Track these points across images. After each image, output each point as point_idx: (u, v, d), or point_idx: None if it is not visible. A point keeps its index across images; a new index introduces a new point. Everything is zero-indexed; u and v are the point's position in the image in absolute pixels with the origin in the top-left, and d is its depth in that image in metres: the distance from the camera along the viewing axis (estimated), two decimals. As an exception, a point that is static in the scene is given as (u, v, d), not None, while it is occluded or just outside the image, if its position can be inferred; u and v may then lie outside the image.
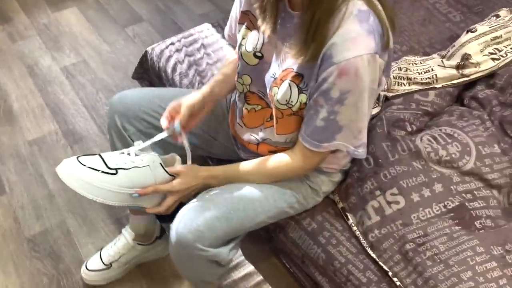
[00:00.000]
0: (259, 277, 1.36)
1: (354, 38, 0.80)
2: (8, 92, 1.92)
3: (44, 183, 1.58)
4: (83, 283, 1.32)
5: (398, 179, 1.02)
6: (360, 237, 1.01)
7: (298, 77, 0.88)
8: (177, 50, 1.51)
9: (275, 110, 0.96)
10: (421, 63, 1.29)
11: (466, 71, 1.23)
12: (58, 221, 1.48)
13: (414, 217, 0.98)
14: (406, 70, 1.26)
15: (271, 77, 0.94)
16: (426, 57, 1.33)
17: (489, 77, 1.23)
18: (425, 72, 1.25)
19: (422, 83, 1.24)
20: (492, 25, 1.27)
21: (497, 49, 1.23)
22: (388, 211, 1.00)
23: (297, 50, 0.86)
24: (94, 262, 1.31)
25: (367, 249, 0.99)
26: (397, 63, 1.30)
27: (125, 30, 2.27)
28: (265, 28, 0.92)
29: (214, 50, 1.52)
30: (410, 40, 1.56)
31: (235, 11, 1.04)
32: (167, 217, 1.36)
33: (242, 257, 1.40)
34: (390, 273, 0.93)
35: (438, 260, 0.89)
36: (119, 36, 2.23)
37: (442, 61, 1.27)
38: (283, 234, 1.14)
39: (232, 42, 1.10)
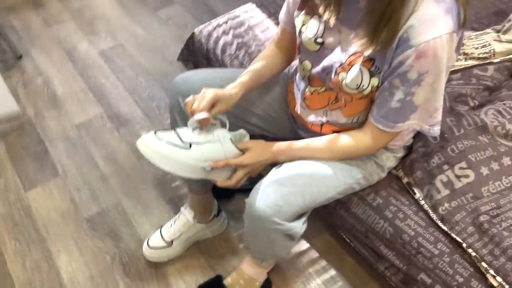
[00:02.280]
0: (315, 253, 1.39)
1: (432, 19, 0.80)
2: (50, 77, 1.95)
3: (95, 165, 1.62)
4: (145, 260, 1.36)
5: (466, 153, 1.03)
6: (429, 210, 1.03)
7: (369, 61, 0.89)
8: (224, 32, 1.52)
9: (343, 94, 0.96)
10: (476, 38, 1.29)
11: (525, 45, 1.22)
12: (114, 202, 1.51)
13: (484, 190, 0.99)
14: (463, 46, 1.26)
15: (336, 62, 0.94)
16: (481, 32, 1.32)
17: (548, 51, 1.23)
18: (482, 47, 1.25)
19: (479, 58, 1.24)
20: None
21: (556, 21, 1.22)
22: (458, 184, 1.01)
23: (368, 38, 0.85)
24: (155, 240, 1.35)
25: (437, 222, 1.01)
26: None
27: (157, 13, 2.27)
28: (328, 15, 0.91)
29: (262, 30, 1.52)
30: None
31: None
32: (225, 194, 1.40)
33: (296, 234, 1.43)
34: (464, 245, 0.95)
35: (515, 231, 0.92)
36: (152, 19, 2.24)
37: (498, 35, 1.27)
38: (344, 210, 1.16)
39: (286, 26, 1.09)
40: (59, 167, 1.61)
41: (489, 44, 1.25)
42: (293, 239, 1.03)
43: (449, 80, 1.20)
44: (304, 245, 1.41)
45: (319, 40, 0.96)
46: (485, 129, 1.06)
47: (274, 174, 1.00)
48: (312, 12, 0.96)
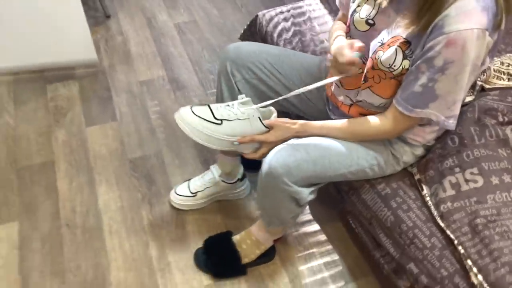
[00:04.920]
0: (323, 237, 1.47)
1: (469, 11, 0.86)
2: (129, 37, 2.18)
3: (148, 118, 1.81)
4: (169, 205, 1.51)
5: (481, 160, 1.06)
6: (432, 207, 1.07)
7: (406, 44, 0.96)
8: (285, 19, 1.64)
9: (376, 72, 1.04)
10: (525, 61, 1.29)
11: None
12: (156, 151, 1.69)
13: (489, 197, 1.02)
14: (508, 66, 1.28)
15: (379, 42, 1.02)
16: (532, 57, 1.32)
17: None
18: (528, 71, 1.26)
19: (522, 81, 1.25)
20: None
21: None
22: (465, 187, 1.05)
23: (411, 19, 0.93)
24: (182, 189, 1.50)
25: (436, 218, 1.05)
26: (500, 57, 1.32)
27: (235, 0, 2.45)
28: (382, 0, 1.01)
29: (320, 23, 1.62)
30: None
31: None
32: (252, 166, 1.51)
33: (311, 216, 1.52)
34: (455, 242, 0.99)
35: (507, 238, 0.94)
36: (228, 4, 2.42)
37: (548, 62, 1.27)
38: (355, 196, 1.23)
39: (343, 9, 1.19)
40: (117, 113, 1.82)
41: (536, 69, 1.25)
42: (299, 205, 1.12)
43: (485, 95, 1.23)
44: (315, 227, 1.49)
45: (370, 21, 1.04)
46: (506, 143, 1.08)
47: (293, 140, 1.10)
48: None
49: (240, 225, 1.47)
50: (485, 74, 1.27)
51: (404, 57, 0.96)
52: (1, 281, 1.31)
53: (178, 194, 1.49)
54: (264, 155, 1.10)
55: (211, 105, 1.15)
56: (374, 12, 1.03)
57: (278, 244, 1.42)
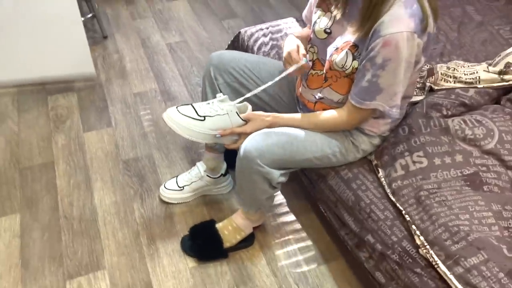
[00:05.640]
0: (298, 226, 1.62)
1: (399, 18, 1.06)
2: (124, 55, 2.38)
3: (141, 124, 1.98)
4: (159, 199, 1.66)
5: (426, 145, 1.24)
6: (386, 186, 1.24)
7: (355, 47, 1.16)
8: (264, 35, 1.85)
9: (333, 72, 1.23)
10: (469, 66, 1.50)
11: (506, 77, 1.42)
12: (147, 153, 1.85)
13: (433, 175, 1.19)
14: (454, 70, 1.48)
15: (334, 47, 1.22)
16: (476, 64, 1.53)
17: (527, 85, 1.41)
18: (470, 74, 1.46)
19: (466, 82, 1.45)
20: (538, 42, 1.45)
21: (539, 62, 1.40)
22: (412, 168, 1.22)
23: (357, 27, 1.13)
24: (171, 183, 1.65)
25: (389, 194, 1.21)
26: (447, 63, 1.52)
27: (221, 22, 2.68)
28: (336, 12, 1.21)
29: (295, 38, 1.83)
30: (468, 54, 1.76)
31: None
32: (234, 164, 1.67)
33: (287, 209, 1.68)
34: (403, 212, 1.15)
35: (444, 205, 1.10)
36: (216, 27, 2.64)
37: (487, 67, 1.47)
38: (323, 183, 1.39)
39: (307, 22, 1.40)
40: (113, 120, 1.99)
41: (477, 72, 1.45)
42: (272, 186, 1.28)
43: (433, 94, 1.42)
44: (291, 217, 1.64)
45: (328, 30, 1.24)
46: (448, 131, 1.27)
47: (265, 129, 1.27)
48: (326, 9, 1.26)
49: (223, 216, 1.61)
50: (432, 77, 1.46)
51: (354, 58, 1.16)
52: (3, 264, 1.44)
53: (167, 188, 1.64)
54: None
55: (194, 104, 1.31)
56: (330, 22, 1.23)
57: (258, 232, 1.57)
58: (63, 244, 1.51)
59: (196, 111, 1.28)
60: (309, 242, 1.56)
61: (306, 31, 1.41)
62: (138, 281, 1.43)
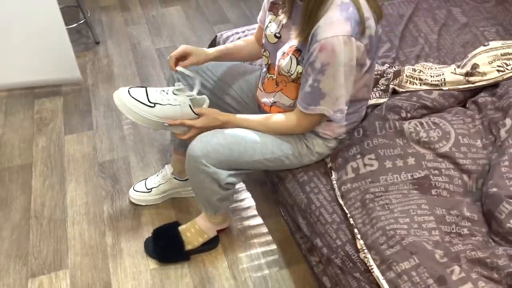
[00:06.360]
0: (265, 229, 1.60)
1: (334, 22, 1.04)
2: (114, 60, 2.43)
3: (121, 128, 2.01)
4: (129, 201, 1.68)
5: (378, 148, 1.21)
6: (336, 189, 1.21)
7: (298, 51, 1.14)
8: (239, 38, 1.85)
9: (282, 77, 1.22)
10: (436, 68, 1.46)
11: (472, 78, 1.37)
12: (123, 156, 1.87)
13: (382, 178, 1.16)
14: (420, 72, 1.44)
15: (281, 52, 1.21)
16: (444, 65, 1.49)
17: (494, 87, 1.36)
18: (436, 76, 1.42)
19: (431, 84, 1.41)
20: (506, 43, 1.40)
21: (505, 63, 1.35)
22: (362, 170, 1.19)
23: (298, 32, 1.12)
24: (139, 186, 1.67)
25: (338, 197, 1.19)
26: (414, 65, 1.48)
27: (213, 27, 2.70)
28: (282, 15, 1.20)
29: (269, 41, 1.82)
30: (446, 57, 1.71)
31: (266, 2, 1.33)
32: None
33: (255, 212, 1.66)
34: (348, 215, 1.12)
35: (387, 208, 1.07)
36: (207, 32, 2.67)
37: (455, 69, 1.43)
38: (282, 185, 1.38)
39: (261, 25, 1.39)
40: (94, 124, 2.03)
41: (443, 74, 1.41)
42: (222, 187, 1.27)
43: (394, 96, 1.39)
44: (258, 220, 1.63)
45: (277, 35, 1.23)
46: (402, 134, 1.23)
47: (216, 130, 1.26)
48: (277, 13, 1.25)
49: (191, 219, 1.61)
50: (397, 79, 1.43)
51: (298, 63, 1.14)
52: (-29, 262, 1.48)
53: (135, 190, 1.66)
54: (191, 138, 1.25)
55: (148, 88, 1.26)
56: (280, 26, 1.22)
57: (222, 235, 1.56)
58: (30, 243, 1.55)
59: (147, 97, 1.22)
60: (273, 246, 1.54)
61: (237, 44, 1.43)
62: (98, 281, 1.44)
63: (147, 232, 1.58)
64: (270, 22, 1.26)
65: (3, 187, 1.73)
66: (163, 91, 1.27)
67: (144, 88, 1.26)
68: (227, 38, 1.87)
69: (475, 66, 1.38)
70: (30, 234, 1.57)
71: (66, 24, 2.09)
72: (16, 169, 1.81)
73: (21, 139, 1.94)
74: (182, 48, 1.31)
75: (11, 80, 2.17)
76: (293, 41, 1.16)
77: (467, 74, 1.39)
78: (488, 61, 1.37)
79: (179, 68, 1.30)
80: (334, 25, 1.04)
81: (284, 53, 1.19)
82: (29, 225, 1.60)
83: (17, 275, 1.45)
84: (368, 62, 1.13)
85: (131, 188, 1.68)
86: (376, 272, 0.97)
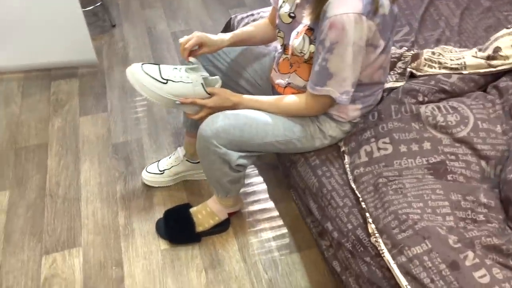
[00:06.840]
0: (276, 213, 1.59)
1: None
2: (129, 43, 2.43)
3: (135, 110, 2.01)
4: (142, 183, 1.69)
5: (393, 131, 1.18)
6: (349, 172, 1.19)
7: (310, 30, 1.12)
8: (254, 20, 1.82)
9: (295, 58, 1.19)
10: (456, 52, 1.41)
11: (494, 62, 1.32)
12: (137, 138, 1.88)
13: (396, 162, 1.13)
14: (439, 55, 1.39)
15: (296, 32, 1.18)
16: (465, 49, 1.43)
17: (517, 71, 1.31)
18: (456, 60, 1.37)
19: (451, 68, 1.36)
20: (532, 25, 1.34)
21: (530, 46, 1.30)
22: (376, 154, 1.16)
23: (311, 9, 1.09)
24: (152, 167, 1.67)
25: (350, 181, 1.17)
26: (433, 48, 1.43)
27: (228, 11, 2.67)
28: None
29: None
30: (467, 41, 1.65)
31: None
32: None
33: (267, 195, 1.65)
34: (360, 199, 1.10)
35: (400, 192, 1.04)
36: (222, 16, 2.64)
37: (476, 52, 1.38)
38: (294, 169, 1.36)
39: (275, 5, 1.36)
40: (109, 106, 2.04)
41: (463, 58, 1.36)
42: (234, 169, 1.26)
43: (411, 80, 1.35)
44: (270, 204, 1.62)
45: (292, 14, 1.21)
46: (419, 118, 1.19)
47: (227, 111, 1.25)
48: None
49: (202, 201, 1.61)
50: (415, 62, 1.39)
51: (310, 42, 1.12)
52: (-12, 237, 1.52)
53: (148, 172, 1.66)
54: (203, 118, 1.24)
55: (161, 66, 1.25)
56: (294, 6, 1.20)
57: (234, 218, 1.56)
58: (45, 221, 1.57)
59: (160, 73, 1.22)
60: (284, 230, 1.54)
61: (249, 30, 1.40)
62: (110, 259, 1.46)
63: (159, 213, 1.59)
64: (284, 1, 1.24)
65: (20, 165, 1.76)
66: (176, 68, 1.26)
67: (158, 65, 1.25)
68: (242, 19, 1.84)
69: (497, 50, 1.33)
70: (44, 212, 1.60)
71: (83, 6, 2.09)
72: (32, 148, 1.83)
73: (37, 119, 1.97)
74: (195, 38, 1.27)
75: (28, 62, 2.19)
76: (305, 20, 1.14)
77: (488, 58, 1.34)
78: (511, 44, 1.32)
79: (191, 59, 1.29)
80: (346, 2, 1.00)
81: (298, 32, 1.16)
82: (44, 204, 1.63)
83: (32, 252, 1.48)
84: (382, 43, 1.10)
85: (144, 170, 1.68)
86: (387, 256, 0.95)
